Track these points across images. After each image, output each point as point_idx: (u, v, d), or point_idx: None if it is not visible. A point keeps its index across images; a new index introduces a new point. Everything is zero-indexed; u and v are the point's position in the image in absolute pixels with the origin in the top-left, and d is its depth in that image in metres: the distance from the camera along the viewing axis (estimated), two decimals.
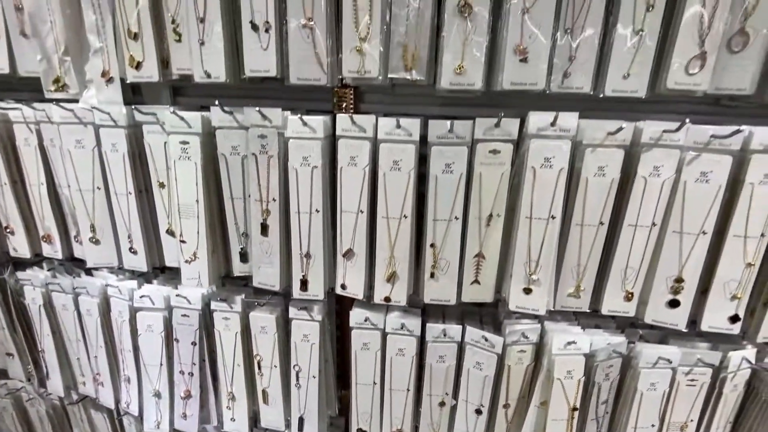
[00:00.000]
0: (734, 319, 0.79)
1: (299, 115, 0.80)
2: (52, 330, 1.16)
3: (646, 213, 0.77)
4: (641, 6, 0.69)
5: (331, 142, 0.85)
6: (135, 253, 1.00)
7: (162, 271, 1.13)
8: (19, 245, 1.08)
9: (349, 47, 0.74)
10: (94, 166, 0.95)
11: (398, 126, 0.78)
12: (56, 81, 0.90)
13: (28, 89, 1.01)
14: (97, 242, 1.00)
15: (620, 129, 0.71)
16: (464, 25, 0.69)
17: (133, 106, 0.90)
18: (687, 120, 0.70)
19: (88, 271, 1.12)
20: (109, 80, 0.88)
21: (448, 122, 0.77)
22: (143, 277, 1.10)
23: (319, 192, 0.84)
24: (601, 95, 0.74)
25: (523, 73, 0.71)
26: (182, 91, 0.99)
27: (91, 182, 0.97)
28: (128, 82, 0.87)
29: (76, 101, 0.92)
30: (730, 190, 0.73)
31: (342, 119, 0.81)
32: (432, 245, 0.85)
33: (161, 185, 0.95)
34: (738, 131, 0.69)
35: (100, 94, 0.90)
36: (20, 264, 1.15)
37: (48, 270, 1.15)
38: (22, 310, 1.18)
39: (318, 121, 0.82)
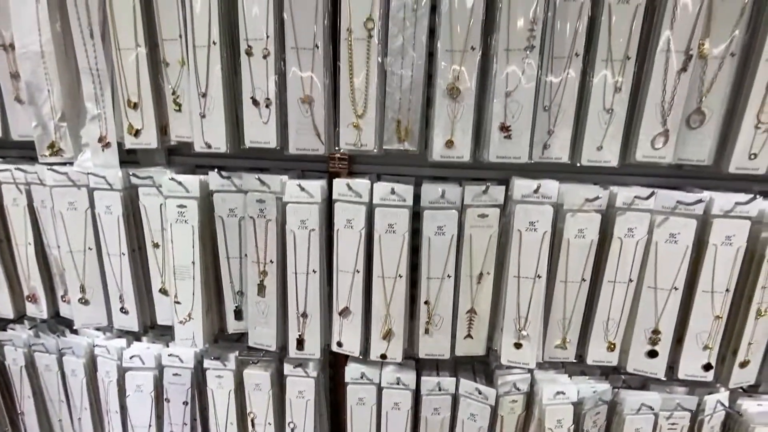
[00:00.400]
0: (707, 367, 0.85)
1: (298, 183, 0.83)
2: (33, 391, 1.12)
3: (623, 270, 0.84)
4: (610, 88, 0.77)
5: (328, 204, 0.88)
6: (126, 312, 0.99)
7: (152, 327, 1.11)
8: (1, 305, 1.05)
9: (346, 122, 0.78)
10: (87, 227, 0.95)
11: (393, 192, 0.82)
12: (51, 146, 0.90)
13: (19, 147, 1.00)
14: (86, 302, 0.99)
15: (597, 198, 0.78)
16: (453, 105, 0.75)
17: (130, 173, 0.91)
18: (654, 191, 0.78)
19: (74, 329, 1.09)
20: (106, 145, 0.89)
21: (440, 188, 0.82)
22: (132, 335, 1.08)
23: (316, 253, 0.87)
24: (578, 164, 0.81)
25: (507, 147, 0.77)
26: (177, 150, 1.01)
27: (83, 243, 0.96)
28: (126, 148, 0.89)
29: (71, 163, 0.93)
30: (696, 250, 0.81)
31: (338, 184, 0.85)
32: (426, 302, 0.88)
33: (155, 245, 0.95)
34: (700, 201, 0.76)
35: (95, 158, 0.91)
36: (0, 322, 1.12)
37: (30, 328, 1.12)
38: (1, 370, 1.14)
39: (315, 187, 0.85)
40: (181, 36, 0.80)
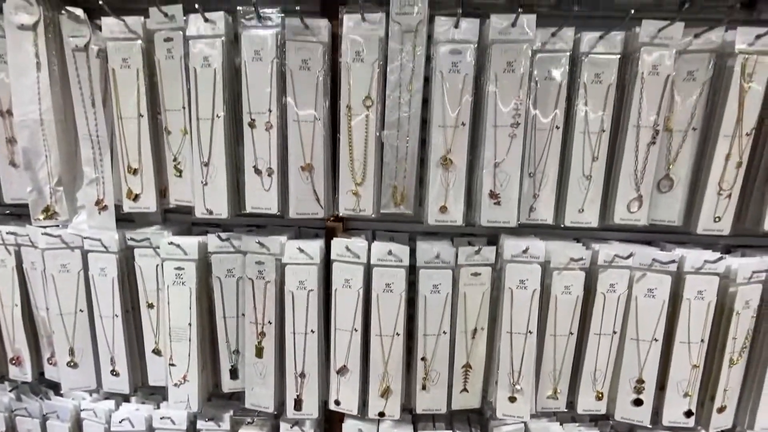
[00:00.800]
0: (688, 414, 0.90)
1: (297, 245, 0.86)
2: None
3: (607, 323, 0.89)
4: (588, 157, 0.84)
5: (326, 264, 0.91)
6: (117, 375, 0.96)
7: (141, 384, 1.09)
8: None
9: (345, 189, 0.82)
10: (78, 289, 0.94)
11: (390, 253, 0.86)
12: (46, 210, 0.90)
13: (10, 206, 0.99)
14: (75, 366, 0.96)
15: (581, 259, 0.84)
16: (446, 174, 0.80)
17: (127, 237, 0.91)
18: (633, 251, 0.84)
19: (59, 392, 1.05)
20: (103, 208, 0.90)
21: (435, 249, 0.86)
22: (121, 396, 1.05)
23: (315, 313, 0.88)
24: (562, 225, 0.87)
25: (497, 213, 0.82)
26: (173, 208, 1.02)
27: (74, 305, 0.95)
28: (124, 212, 0.90)
29: (65, 226, 0.93)
30: (672, 304, 0.87)
31: (337, 245, 0.88)
32: (423, 358, 0.90)
33: (150, 305, 0.94)
34: (673, 261, 0.83)
35: (91, 220, 0.91)
36: None
37: (11, 390, 1.07)
38: None
39: (314, 248, 0.88)
40: (184, 107, 0.83)
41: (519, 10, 0.72)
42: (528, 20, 0.75)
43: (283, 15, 0.79)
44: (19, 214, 1.01)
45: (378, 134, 0.80)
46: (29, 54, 0.83)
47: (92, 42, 0.82)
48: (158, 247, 0.90)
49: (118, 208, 0.91)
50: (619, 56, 0.80)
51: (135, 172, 0.87)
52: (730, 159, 0.80)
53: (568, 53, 0.80)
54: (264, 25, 0.78)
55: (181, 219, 1.01)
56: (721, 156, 0.80)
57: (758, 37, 0.75)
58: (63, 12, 0.81)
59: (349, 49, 0.78)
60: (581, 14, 0.81)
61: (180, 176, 0.87)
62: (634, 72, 0.80)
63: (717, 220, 0.84)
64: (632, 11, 0.72)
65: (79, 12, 0.81)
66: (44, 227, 0.91)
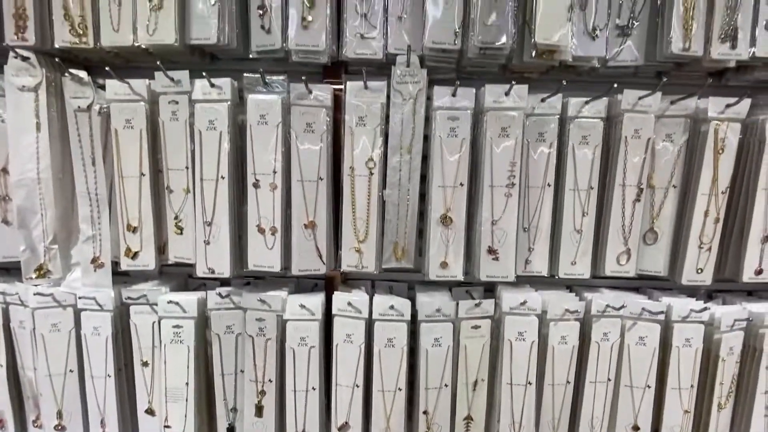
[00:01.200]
0: None
1: (299, 301, 0.86)
2: None
3: (602, 371, 0.91)
4: (578, 212, 0.88)
5: (326, 318, 0.91)
6: None
7: None
8: None
9: (348, 246, 0.84)
10: (69, 349, 0.91)
11: (392, 307, 0.87)
12: (39, 269, 0.88)
13: None
14: (62, 429, 0.92)
15: (576, 311, 0.87)
16: (446, 232, 0.83)
17: (123, 296, 0.89)
18: (624, 302, 0.88)
19: None
20: (99, 266, 0.88)
21: (436, 303, 0.88)
22: None
23: (316, 370, 0.88)
24: (556, 277, 0.90)
25: (495, 268, 0.85)
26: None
27: (64, 366, 0.91)
28: (121, 270, 0.88)
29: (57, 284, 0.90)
30: (662, 351, 0.91)
31: (338, 300, 0.88)
32: (425, 412, 0.90)
33: (144, 364, 0.92)
34: (661, 312, 0.87)
35: (86, 277, 0.89)
36: None
37: None
38: None
39: (315, 303, 0.88)
40: (187, 167, 0.83)
41: (512, 82, 0.77)
42: (520, 90, 0.81)
43: (285, 78, 0.82)
44: (7, 267, 0.98)
45: (380, 193, 0.83)
46: (29, 115, 0.83)
47: (95, 103, 0.83)
48: (155, 304, 0.89)
49: (114, 265, 0.90)
50: (603, 120, 0.86)
51: (134, 230, 0.86)
52: (708, 215, 0.86)
53: (557, 116, 0.86)
54: (269, 91, 0.81)
55: (177, 271, 1.00)
56: (701, 212, 0.86)
57: (728, 105, 0.82)
58: (66, 74, 0.82)
59: (352, 114, 0.81)
60: (568, 79, 0.87)
61: (181, 233, 0.87)
62: (618, 135, 0.86)
63: (699, 271, 0.89)
64: (615, 84, 0.78)
65: (82, 74, 0.82)
66: (36, 285, 0.89)
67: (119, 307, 0.91)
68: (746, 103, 0.81)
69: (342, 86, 0.86)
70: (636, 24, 0.82)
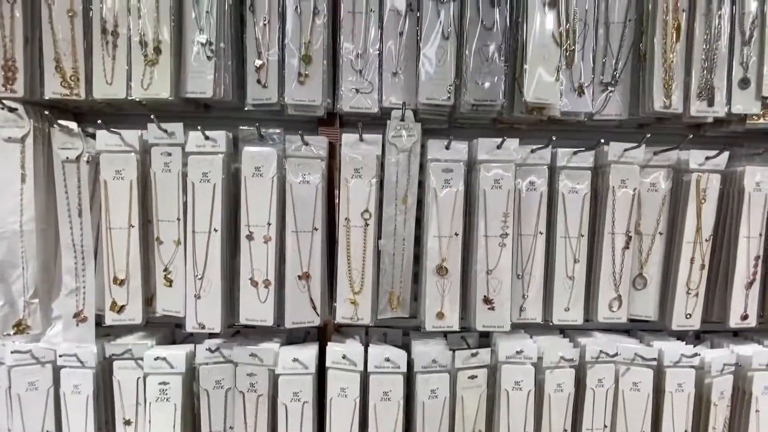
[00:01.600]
0: None
1: (292, 355, 0.84)
2: None
3: (598, 418, 0.91)
4: (570, 259, 0.90)
5: (320, 370, 0.88)
6: None
7: None
8: None
9: (343, 298, 0.83)
10: (47, 408, 0.86)
11: (387, 360, 0.85)
12: (17, 324, 0.83)
13: None
14: None
15: (571, 359, 0.87)
16: (441, 281, 0.83)
17: (107, 354, 0.85)
18: (617, 348, 0.89)
19: None
20: (82, 320, 0.85)
21: (432, 354, 0.87)
22: None
23: (309, 426, 0.85)
24: (550, 323, 0.91)
25: (491, 317, 0.85)
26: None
27: (40, 427, 0.86)
28: (105, 325, 0.85)
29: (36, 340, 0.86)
30: (656, 397, 0.91)
31: (332, 352, 0.86)
32: None
33: (127, 422, 0.87)
34: (654, 358, 0.88)
35: (67, 332, 0.85)
36: None
37: None
38: None
39: (309, 356, 0.86)
40: (179, 219, 0.82)
41: (504, 138, 0.79)
42: (511, 143, 0.83)
43: (281, 132, 0.82)
44: None
45: (375, 244, 0.83)
46: (14, 166, 0.80)
47: (84, 154, 0.81)
48: (141, 359, 0.85)
49: (98, 319, 0.86)
50: (591, 169, 0.89)
51: (121, 282, 0.83)
52: (694, 262, 0.89)
53: (546, 166, 0.88)
54: (264, 143, 0.81)
55: (164, 320, 0.96)
56: (687, 260, 0.89)
57: (708, 158, 0.86)
58: (55, 125, 0.80)
59: (348, 166, 0.81)
60: (556, 131, 0.90)
61: (170, 286, 0.84)
62: (605, 185, 0.89)
63: (688, 316, 0.91)
64: (602, 140, 0.82)
65: (72, 125, 0.81)
66: (13, 341, 0.84)
67: (102, 362, 0.87)
68: (725, 155, 0.85)
69: (336, 131, 0.87)
70: (619, 80, 0.86)
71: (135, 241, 0.83)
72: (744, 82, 0.83)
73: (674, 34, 0.81)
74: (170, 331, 0.97)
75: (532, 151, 0.87)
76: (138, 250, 0.83)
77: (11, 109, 0.79)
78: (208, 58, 0.78)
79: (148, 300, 0.87)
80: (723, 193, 0.89)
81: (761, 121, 0.86)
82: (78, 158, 0.82)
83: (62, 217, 0.84)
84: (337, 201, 0.83)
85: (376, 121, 0.87)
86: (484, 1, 0.78)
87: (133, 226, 0.83)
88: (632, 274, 0.92)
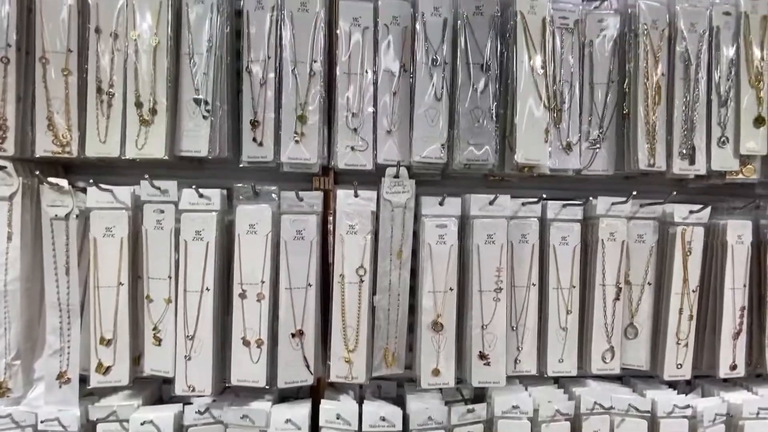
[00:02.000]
0: None
1: (286, 416, 0.81)
2: None
3: None
4: (563, 311, 0.91)
5: (313, 428, 0.86)
6: None
7: None
8: None
9: (337, 356, 0.82)
10: None
11: (383, 419, 0.84)
12: None
13: None
14: None
15: (567, 413, 0.87)
16: (436, 337, 0.83)
17: (91, 417, 0.81)
18: (611, 400, 0.89)
19: None
20: (66, 381, 0.81)
21: (427, 411, 0.85)
22: None
23: None
24: (545, 375, 0.91)
25: (486, 373, 0.85)
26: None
27: None
28: (90, 387, 0.81)
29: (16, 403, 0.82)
30: None
31: (325, 411, 0.84)
32: None
33: None
34: (647, 411, 0.89)
35: (49, 395, 0.81)
36: None
37: None
38: None
39: (302, 415, 0.83)
40: (170, 277, 0.80)
41: (496, 195, 0.81)
42: (504, 198, 0.85)
43: (277, 189, 0.82)
44: None
45: (370, 300, 0.82)
46: (1, 224, 0.78)
47: (73, 211, 0.80)
48: (126, 421, 0.82)
49: (83, 379, 0.83)
50: (580, 223, 0.91)
51: (108, 342, 0.81)
52: (682, 313, 0.91)
53: (537, 218, 0.90)
54: (259, 199, 0.81)
55: (151, 377, 0.93)
56: (675, 311, 0.90)
57: (692, 212, 0.89)
58: (45, 183, 0.79)
59: (343, 222, 0.82)
60: (546, 186, 0.93)
61: (159, 345, 0.82)
62: (594, 237, 0.91)
63: (679, 366, 0.92)
64: (590, 198, 0.84)
65: (63, 183, 0.80)
66: None
67: (85, 424, 0.83)
68: (708, 210, 0.89)
69: (329, 181, 0.88)
70: (605, 137, 0.90)
71: (124, 300, 0.81)
72: (722, 141, 0.87)
73: (655, 97, 0.85)
74: (157, 387, 0.94)
75: (523, 204, 0.89)
76: (126, 309, 0.81)
77: (0, 167, 0.78)
78: (204, 117, 0.79)
79: (136, 359, 0.84)
80: (707, 245, 0.91)
81: (739, 176, 0.90)
82: (67, 216, 0.80)
83: (48, 275, 0.81)
84: (331, 257, 0.83)
85: (371, 177, 0.88)
86: (474, 66, 0.82)
87: (122, 284, 0.81)
88: (623, 323, 0.93)
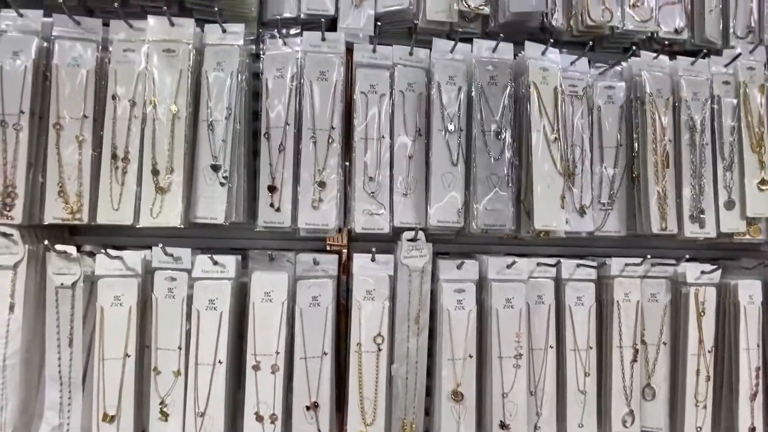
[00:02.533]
0: None
1: None
2: None
3: None
4: (581, 373, 0.89)
5: None
6: None
7: None
8: None
9: (354, 431, 0.78)
10: None
11: None
12: None
13: None
14: None
15: None
16: (457, 408, 0.81)
17: None
18: None
19: None
20: None
21: None
22: None
23: None
24: None
25: None
26: None
27: None
28: None
29: None
30: None
31: None
32: None
33: None
34: None
35: None
36: None
37: None
38: None
39: None
40: (180, 348, 0.77)
41: (514, 260, 0.81)
42: (521, 261, 0.85)
43: (293, 255, 0.81)
44: None
45: (388, 369, 0.80)
46: (3, 295, 0.75)
47: (80, 280, 0.77)
48: None
49: None
50: (594, 283, 0.91)
51: (111, 419, 0.76)
52: (700, 374, 0.90)
53: (552, 279, 0.90)
54: (275, 265, 0.80)
55: None
56: (693, 372, 0.90)
57: (703, 272, 0.90)
58: (52, 250, 0.76)
59: (360, 287, 0.80)
60: (560, 244, 0.94)
61: (165, 420, 0.77)
62: (609, 298, 0.91)
63: (699, 429, 0.90)
64: (605, 260, 0.85)
65: (71, 250, 0.77)
66: None
67: None
68: (719, 271, 0.90)
69: (342, 238, 0.87)
70: (615, 199, 0.91)
71: (130, 373, 0.77)
72: (729, 204, 0.89)
73: (664, 162, 0.87)
74: None
75: (538, 264, 0.89)
76: (132, 382, 0.77)
77: (5, 235, 0.75)
78: (221, 184, 0.78)
79: None
80: (719, 305, 0.92)
81: (746, 237, 0.92)
82: (73, 285, 0.77)
83: (50, 346, 0.77)
84: (345, 324, 0.81)
85: (386, 240, 0.87)
86: (488, 133, 0.83)
87: (128, 356, 0.77)
88: (641, 384, 0.92)
